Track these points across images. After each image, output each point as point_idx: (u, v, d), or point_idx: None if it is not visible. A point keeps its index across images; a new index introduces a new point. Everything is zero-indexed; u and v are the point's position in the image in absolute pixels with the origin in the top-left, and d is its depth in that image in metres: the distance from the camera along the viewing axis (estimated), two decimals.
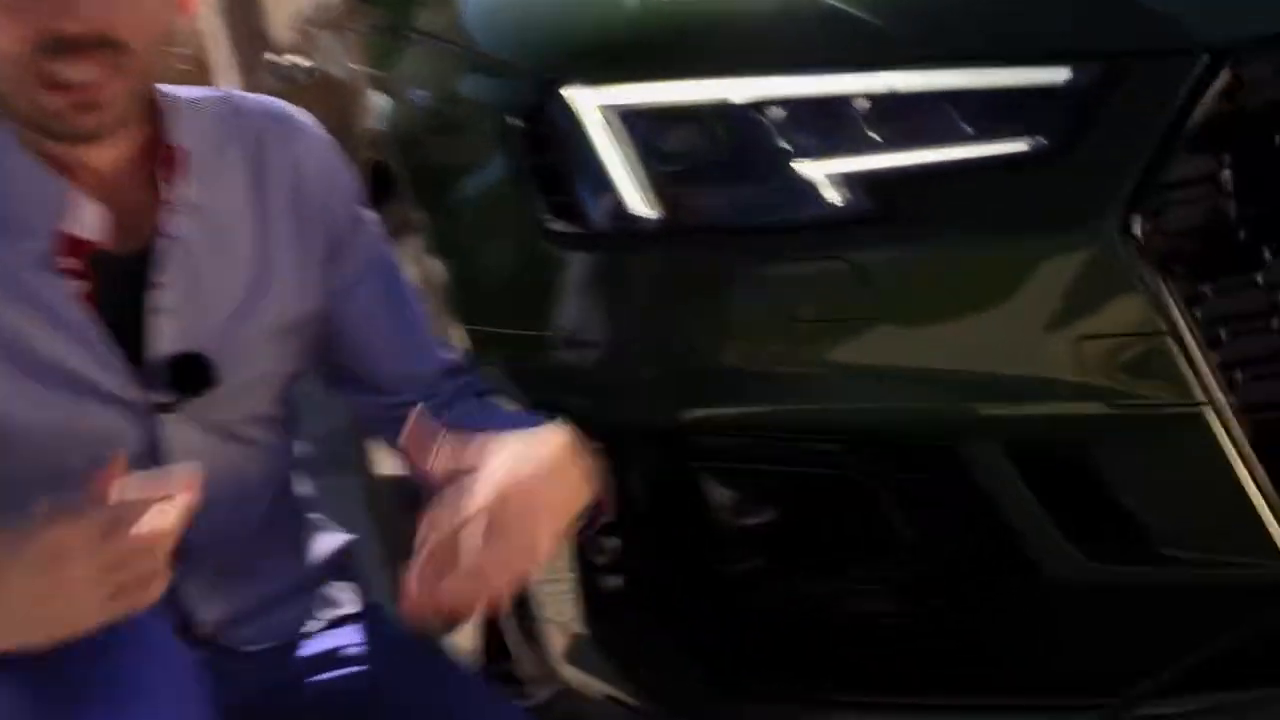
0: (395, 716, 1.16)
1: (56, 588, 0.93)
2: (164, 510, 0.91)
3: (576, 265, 1.36)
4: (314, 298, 1.21)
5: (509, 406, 1.28)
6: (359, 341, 1.25)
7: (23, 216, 1.09)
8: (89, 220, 1.09)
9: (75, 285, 1.11)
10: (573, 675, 1.48)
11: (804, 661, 1.37)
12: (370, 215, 1.29)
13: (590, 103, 1.33)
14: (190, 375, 1.17)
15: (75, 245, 1.10)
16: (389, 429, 1.20)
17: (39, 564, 0.94)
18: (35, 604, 0.94)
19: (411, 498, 1.80)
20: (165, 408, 1.15)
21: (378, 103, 1.84)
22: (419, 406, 1.08)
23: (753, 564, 1.37)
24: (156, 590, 0.93)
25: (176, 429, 1.16)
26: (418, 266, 1.58)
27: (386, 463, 1.90)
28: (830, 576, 1.36)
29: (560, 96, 1.35)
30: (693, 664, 1.39)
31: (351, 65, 2.14)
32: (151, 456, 1.15)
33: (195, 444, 1.16)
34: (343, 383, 1.30)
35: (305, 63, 2.74)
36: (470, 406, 1.23)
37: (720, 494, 1.37)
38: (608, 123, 1.32)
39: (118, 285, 1.14)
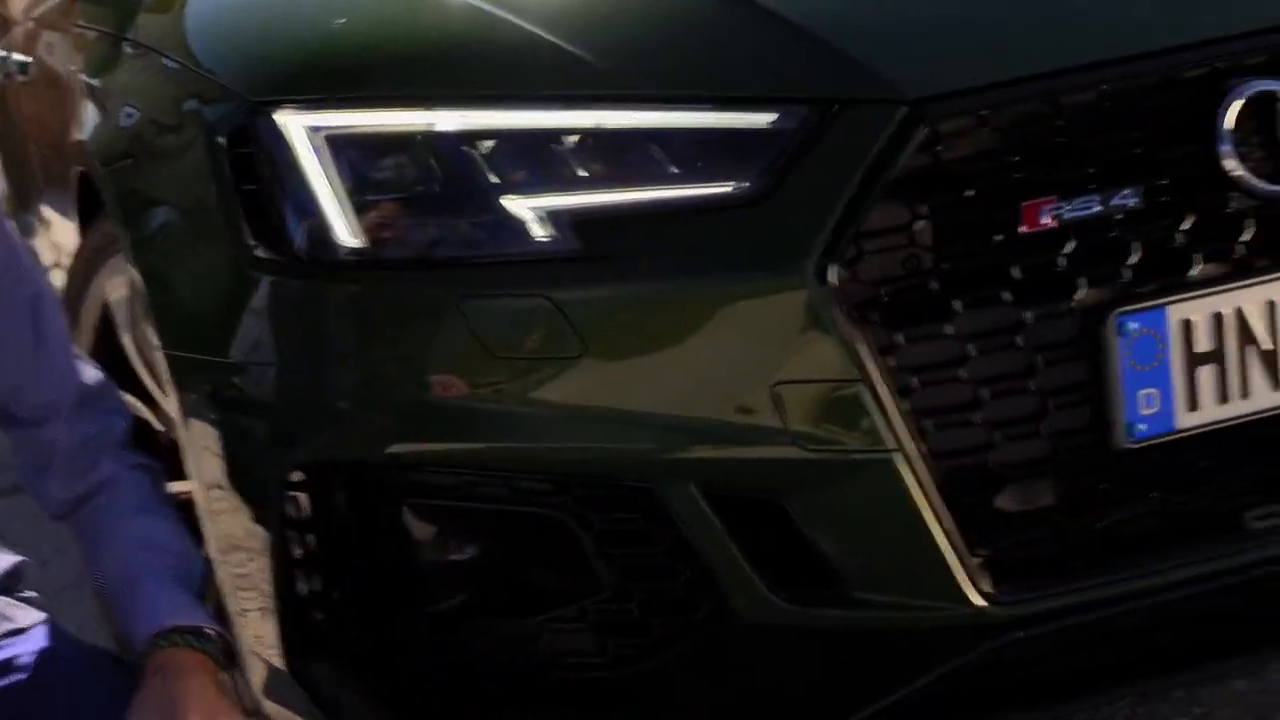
0: None
1: None
2: None
3: (280, 293, 1.30)
4: None
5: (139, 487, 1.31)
6: None
7: None
8: None
9: None
10: (271, 709, 1.44)
11: (504, 701, 1.35)
12: (10, 234, 1.30)
13: (298, 126, 1.28)
14: None
15: None
16: (34, 471, 1.28)
17: None
18: None
19: None
20: None
21: (90, 113, 1.76)
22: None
23: (454, 602, 1.33)
24: None
25: None
26: (123, 286, 1.51)
27: None
28: (533, 616, 1.32)
29: (269, 118, 1.29)
30: (390, 703, 1.36)
31: (72, 68, 2.03)
32: None
33: None
34: None
35: (25, 58, 2.61)
36: (105, 495, 1.28)
37: (422, 530, 1.32)
38: (315, 148, 1.27)
39: None
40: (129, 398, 1.69)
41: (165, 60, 1.59)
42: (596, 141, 1.26)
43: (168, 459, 1.64)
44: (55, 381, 1.28)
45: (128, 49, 1.77)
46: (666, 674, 1.30)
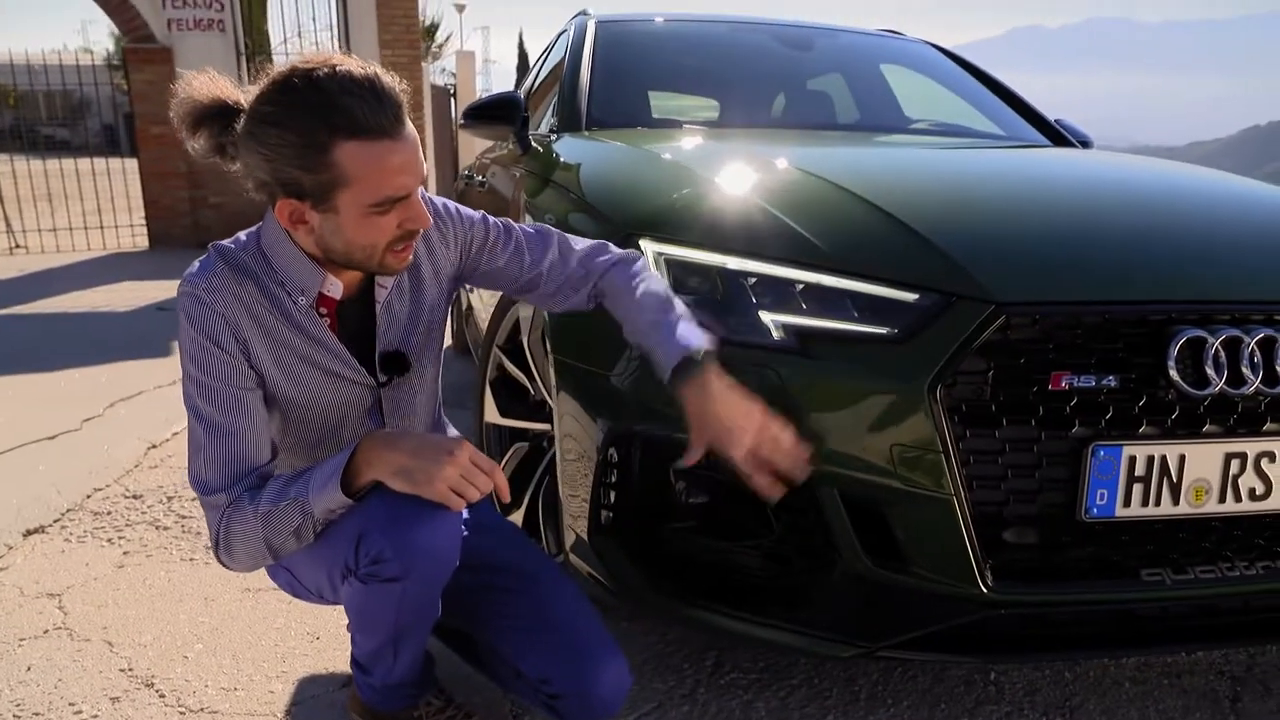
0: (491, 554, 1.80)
1: (432, 464, 1.52)
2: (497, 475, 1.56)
3: None
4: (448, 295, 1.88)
5: (631, 265, 1.88)
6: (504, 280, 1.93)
7: (299, 282, 1.71)
8: (334, 288, 1.74)
9: (327, 320, 1.75)
10: (576, 562, 2.06)
11: (706, 585, 1.91)
12: (478, 222, 1.92)
13: (651, 250, 1.96)
14: (396, 364, 1.82)
15: (327, 300, 1.75)
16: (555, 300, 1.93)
17: (436, 449, 1.54)
18: (415, 465, 1.52)
19: (503, 437, 2.40)
20: (384, 384, 1.80)
21: (526, 217, 2.51)
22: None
23: (688, 524, 1.93)
24: (459, 505, 1.54)
25: (390, 393, 1.81)
26: (529, 310, 2.22)
27: (490, 412, 2.55)
28: (730, 542, 1.89)
29: (636, 243, 1.98)
30: (647, 574, 1.94)
31: (511, 189, 2.78)
32: (378, 409, 1.81)
33: (400, 401, 1.82)
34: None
35: (481, 178, 3.46)
36: (613, 271, 1.88)
37: (676, 479, 1.91)
38: (659, 265, 1.95)
39: (350, 316, 1.79)
40: (517, 370, 2.42)
41: (570, 194, 2.29)
42: (814, 290, 1.82)
43: (534, 411, 2.33)
44: (563, 275, 1.89)
45: (549, 186, 2.50)
46: (802, 589, 1.84)
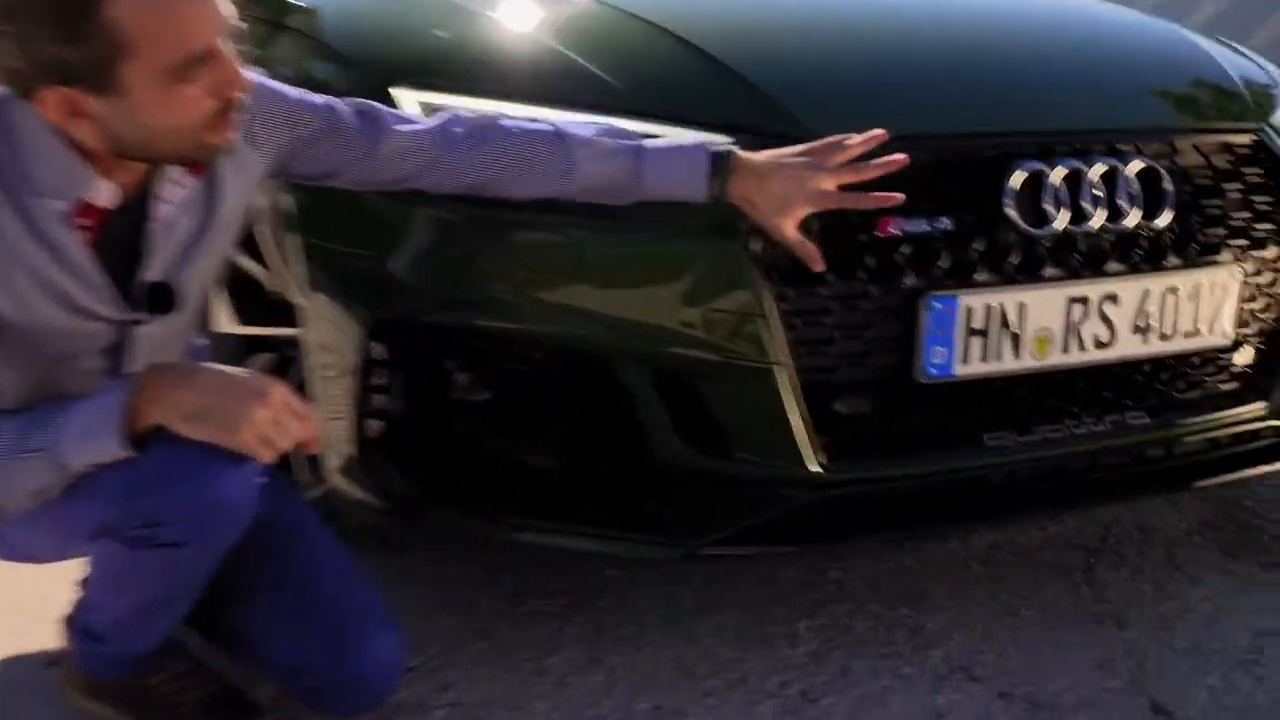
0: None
1: (238, 406, 1.30)
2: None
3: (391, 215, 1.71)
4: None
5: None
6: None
7: (52, 184, 1.34)
8: (105, 194, 1.38)
9: (85, 236, 1.39)
10: (342, 484, 1.80)
11: (497, 493, 1.74)
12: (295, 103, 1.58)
13: (411, 100, 1.70)
14: (161, 300, 1.49)
15: (90, 209, 1.38)
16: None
17: (243, 388, 1.32)
18: (217, 407, 1.30)
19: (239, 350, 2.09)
20: (140, 322, 1.47)
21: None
22: None
23: (474, 426, 1.73)
24: (270, 456, 1.33)
25: (146, 332, 1.48)
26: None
27: (224, 319, 2.23)
28: (527, 440, 1.72)
29: (387, 93, 1.70)
30: (423, 486, 1.74)
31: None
32: (122, 346, 1.48)
33: (157, 340, 1.50)
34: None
35: None
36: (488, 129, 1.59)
37: (461, 379, 1.73)
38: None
39: (118, 229, 1.43)
40: (255, 265, 2.09)
41: (310, 40, 2.00)
42: None
43: (274, 314, 2.03)
44: (397, 159, 1.55)
45: (283, 33, 2.16)
46: (608, 488, 1.71)
